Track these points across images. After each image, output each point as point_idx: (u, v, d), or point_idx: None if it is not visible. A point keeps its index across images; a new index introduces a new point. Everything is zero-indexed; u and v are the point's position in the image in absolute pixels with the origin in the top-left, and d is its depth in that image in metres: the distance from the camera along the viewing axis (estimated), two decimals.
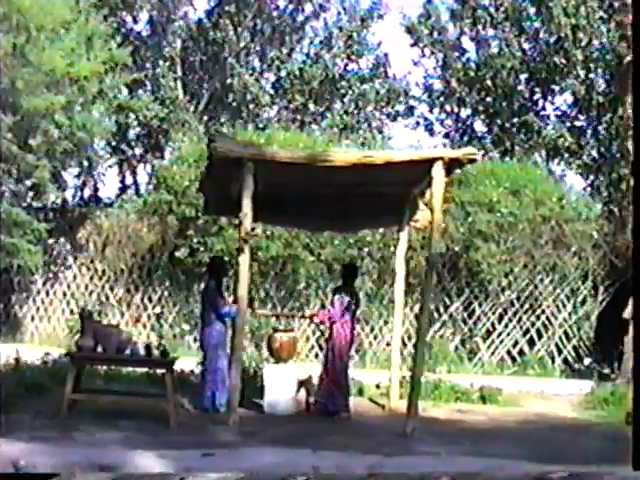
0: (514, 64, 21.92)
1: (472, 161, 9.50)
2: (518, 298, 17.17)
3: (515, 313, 17.20)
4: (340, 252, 16.68)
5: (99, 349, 9.47)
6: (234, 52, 23.86)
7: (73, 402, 9.27)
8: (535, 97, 22.96)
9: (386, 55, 25.23)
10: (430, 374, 13.23)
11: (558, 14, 20.20)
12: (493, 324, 17.23)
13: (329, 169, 9.10)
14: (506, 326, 17.18)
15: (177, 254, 17.17)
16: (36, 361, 12.34)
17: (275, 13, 24.60)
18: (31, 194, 17.66)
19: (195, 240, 16.88)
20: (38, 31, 14.53)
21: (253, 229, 11.32)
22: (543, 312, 17.16)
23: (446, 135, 24.58)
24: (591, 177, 21.61)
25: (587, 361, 16.15)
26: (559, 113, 22.90)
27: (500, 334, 17.19)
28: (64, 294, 18.67)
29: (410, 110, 25.31)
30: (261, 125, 22.58)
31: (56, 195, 21.50)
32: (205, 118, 24.49)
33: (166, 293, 18.05)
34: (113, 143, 24.13)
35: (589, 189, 21.41)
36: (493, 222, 16.82)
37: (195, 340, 15.54)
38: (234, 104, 24.47)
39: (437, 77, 24.35)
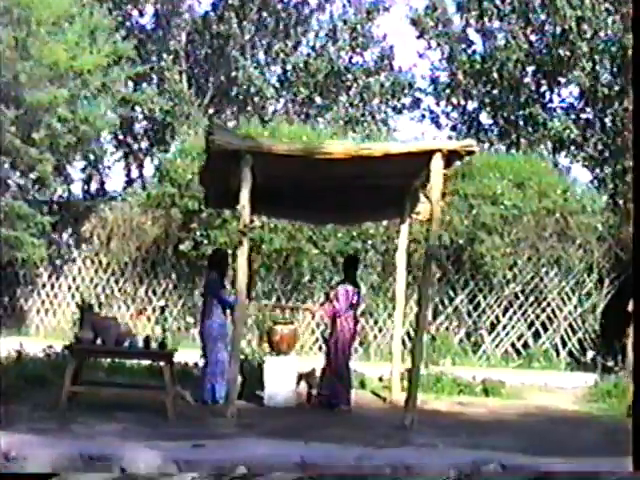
0: (520, 56, 21.82)
1: (471, 153, 9.46)
2: (523, 291, 17.14)
3: (520, 306, 17.17)
4: (344, 245, 16.67)
5: (98, 341, 9.50)
6: (239, 45, 23.83)
7: (73, 394, 9.30)
8: (541, 89, 22.85)
9: (391, 47, 25.16)
10: (433, 367, 13.27)
11: (563, 6, 20.11)
12: (497, 317, 17.21)
13: (328, 161, 9.09)
14: (511, 319, 17.16)
15: (181, 247, 17.22)
16: (39, 354, 12.40)
17: (280, 6, 24.52)
18: (35, 187, 17.66)
19: (199, 233, 16.93)
20: (39, 25, 14.52)
21: (252, 222, 11.32)
22: (548, 305, 17.12)
23: (452, 128, 24.53)
24: (597, 169, 21.54)
25: (591, 354, 16.15)
26: (565, 105, 22.83)
27: (505, 327, 17.17)
28: (69, 287, 18.71)
29: (416, 103, 25.26)
30: (266, 118, 22.55)
31: (62, 188, 21.67)
32: (210, 111, 24.51)
33: (170, 286, 18.08)
34: (120, 137, 24.28)
35: (595, 181, 21.33)
36: (497, 215, 16.80)
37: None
38: (239, 97, 24.46)
39: (443, 69, 24.26)
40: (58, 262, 18.69)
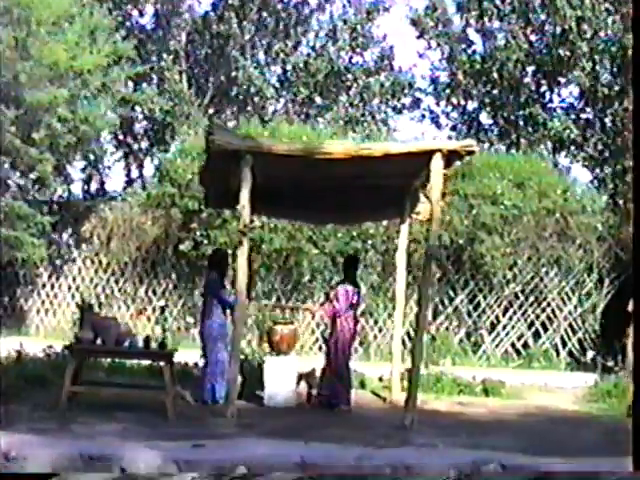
0: (520, 56, 21.82)
1: (471, 153, 9.46)
2: (523, 291, 17.14)
3: (520, 306, 17.17)
4: (344, 245, 16.67)
5: (98, 341, 9.49)
6: (239, 45, 23.83)
7: (73, 394, 9.30)
8: (541, 89, 22.86)
9: (391, 48, 25.17)
10: (433, 367, 13.27)
11: (563, 6, 20.11)
12: (497, 317, 17.21)
13: (328, 161, 9.09)
14: (511, 319, 17.16)
15: (181, 247, 17.22)
16: (39, 354, 12.39)
17: (280, 6, 24.52)
18: (35, 187, 17.66)
19: (199, 233, 16.93)
20: (39, 25, 14.52)
21: (252, 222, 11.32)
22: (548, 305, 17.13)
23: (452, 128, 24.53)
24: (597, 169, 21.55)
25: (591, 354, 16.16)
26: (565, 105, 22.84)
27: (505, 327, 17.17)
28: (69, 287, 18.71)
29: (416, 103, 25.28)
30: (266, 118, 22.55)
31: (62, 188, 21.68)
32: (210, 111, 24.51)
33: (170, 286, 18.08)
34: (120, 137, 24.29)
35: (595, 181, 21.34)
36: (497, 215, 16.80)
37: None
38: (239, 97, 24.46)
39: (443, 69, 24.27)
40: (58, 262, 18.69)
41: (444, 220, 15.83)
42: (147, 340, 9.58)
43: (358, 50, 24.77)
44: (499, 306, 17.19)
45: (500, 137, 23.15)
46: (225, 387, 9.81)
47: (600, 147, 21.30)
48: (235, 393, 9.31)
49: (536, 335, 17.11)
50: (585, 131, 21.60)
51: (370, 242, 16.93)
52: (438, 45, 23.97)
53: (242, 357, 11.57)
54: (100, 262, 18.56)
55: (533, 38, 22.26)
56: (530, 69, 22.60)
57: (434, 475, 6.25)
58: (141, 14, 25.36)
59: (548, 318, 17.10)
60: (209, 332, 10.33)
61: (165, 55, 23.70)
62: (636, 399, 6.86)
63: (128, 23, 23.90)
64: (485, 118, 24.02)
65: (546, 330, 17.06)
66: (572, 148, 22.06)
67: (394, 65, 25.17)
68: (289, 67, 24.44)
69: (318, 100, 24.54)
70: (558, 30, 21.04)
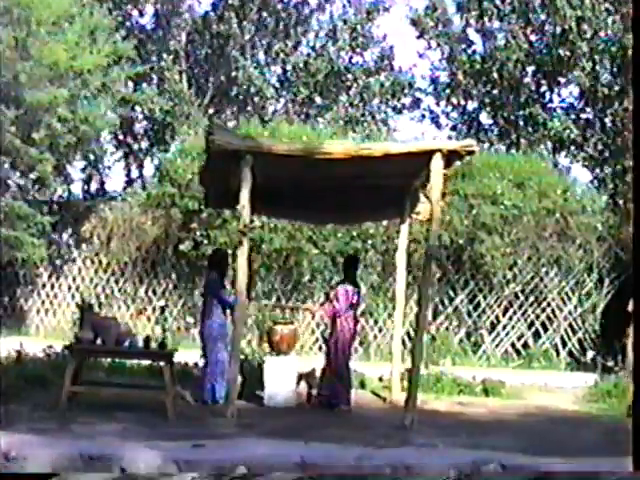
0: (520, 56, 21.83)
1: (470, 153, 9.46)
2: (523, 291, 17.14)
3: (520, 306, 17.16)
4: (344, 245, 16.67)
5: (98, 341, 9.49)
6: (239, 45, 23.83)
7: (73, 394, 9.30)
8: (541, 89, 22.87)
9: (391, 48, 25.18)
10: (433, 367, 13.26)
11: (563, 6, 20.11)
12: (497, 317, 17.21)
13: (327, 161, 9.09)
14: (511, 319, 17.16)
15: (181, 247, 17.22)
16: (39, 354, 12.39)
17: (280, 6, 24.52)
18: (35, 187, 17.67)
19: (199, 233, 16.93)
20: (38, 25, 14.52)
21: (252, 221, 11.32)
22: (548, 305, 17.13)
23: (452, 128, 24.54)
24: (597, 169, 21.56)
25: (591, 354, 16.16)
26: (565, 105, 22.85)
27: (505, 327, 17.17)
28: (69, 287, 18.71)
29: (416, 103, 25.29)
30: (266, 118, 22.56)
31: (62, 188, 21.68)
32: (210, 111, 24.51)
33: (170, 286, 18.08)
34: (120, 137, 24.29)
35: (595, 181, 21.34)
36: (497, 215, 16.80)
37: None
38: (239, 97, 24.47)
39: (443, 69, 24.27)
40: (58, 262, 18.69)
41: (444, 220, 15.82)
42: (147, 340, 9.58)
43: (358, 50, 24.78)
44: (499, 306, 17.19)
45: (500, 137, 23.16)
46: (225, 387, 9.81)
47: (600, 147, 21.31)
48: (235, 393, 9.32)
49: (536, 335, 17.11)
50: (585, 131, 21.61)
51: (370, 242, 16.93)
52: (438, 45, 23.97)
53: (242, 357, 11.58)
54: (100, 262, 18.56)
55: (533, 38, 22.27)
56: (530, 69, 22.61)
57: (434, 475, 6.25)
58: (141, 14, 25.37)
59: (548, 318, 17.10)
60: (209, 332, 10.33)
61: (165, 55, 23.71)
62: (636, 399, 6.86)
63: (128, 23, 23.90)
64: (485, 118, 24.05)
65: (546, 330, 17.06)
66: (572, 148, 22.08)
67: (394, 65, 25.20)
68: (289, 67, 24.45)
69: (318, 100, 24.54)
70: (558, 30, 21.05)
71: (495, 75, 22.41)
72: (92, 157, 21.48)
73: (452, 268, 17.12)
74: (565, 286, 17.12)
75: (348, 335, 10.72)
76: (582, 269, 17.16)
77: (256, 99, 23.86)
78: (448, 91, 24.14)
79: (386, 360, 14.43)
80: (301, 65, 24.02)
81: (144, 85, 23.26)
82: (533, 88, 22.68)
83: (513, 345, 17.14)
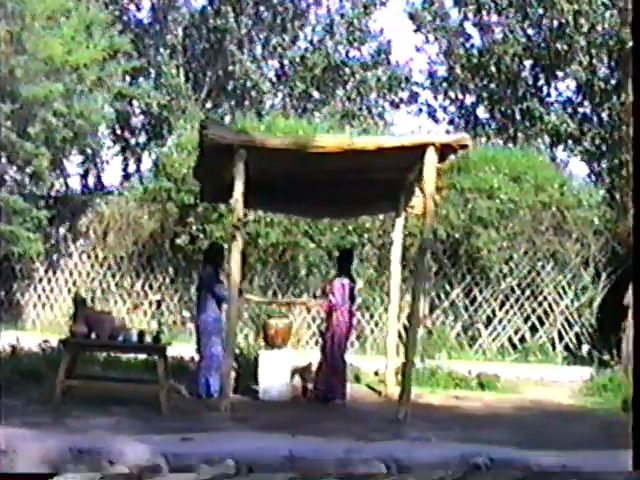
0: (517, 50, 21.83)
1: (464, 147, 9.46)
2: (519, 285, 17.14)
3: (516, 300, 17.16)
4: (340, 239, 16.67)
5: (93, 335, 9.49)
6: (236, 39, 23.80)
7: (67, 388, 9.30)
8: (539, 83, 22.87)
9: (389, 42, 25.10)
10: (429, 360, 13.26)
11: (560, 0, 20.10)
12: (494, 311, 17.21)
13: (321, 155, 9.09)
14: (507, 313, 17.16)
15: (178, 241, 17.23)
16: (35, 348, 12.39)
17: (277, 0, 24.46)
18: (32, 182, 17.66)
19: (195, 227, 16.94)
20: (33, 19, 14.50)
21: (245, 215, 11.32)
22: (544, 299, 17.13)
23: (450, 122, 24.52)
24: (594, 163, 21.55)
25: (586, 348, 16.17)
26: (562, 99, 22.86)
27: (501, 321, 17.17)
28: (65, 281, 18.71)
29: (413, 97, 25.26)
30: (263, 112, 22.54)
31: (59, 183, 21.68)
32: (207, 105, 24.48)
33: (167, 280, 18.08)
34: (117, 131, 24.26)
35: (592, 175, 21.35)
36: (494, 209, 16.80)
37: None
38: (236, 91, 24.43)
39: (440, 63, 24.28)
40: (55, 256, 18.69)
41: (440, 214, 15.88)
42: (141, 334, 9.58)
43: (355, 44, 24.70)
44: (495, 300, 17.19)
45: (497, 131, 23.14)
46: (219, 381, 9.81)
47: (597, 141, 21.31)
48: (229, 387, 9.34)
49: (532, 329, 17.11)
50: (582, 125, 21.62)
51: (366, 236, 16.93)
52: (435, 39, 23.96)
53: (238, 351, 11.62)
54: (96, 256, 18.56)
55: (530, 32, 22.26)
56: (527, 63, 22.61)
57: (427, 469, 6.24)
58: (138, 8, 25.31)
59: (544, 312, 17.10)
60: (204, 326, 10.33)
61: (162, 49, 23.66)
62: (636, 395, 6.83)
63: (125, 17, 23.82)
64: (482, 112, 24.02)
65: (542, 324, 17.06)
66: (569, 142, 22.08)
67: (391, 59, 25.13)
68: (286, 61, 24.42)
69: (315, 94, 24.49)
70: (555, 24, 21.04)
71: (492, 69, 22.40)
72: (89, 151, 21.43)
73: (448, 262, 17.12)
74: (561, 280, 17.12)
75: (344, 329, 10.73)
76: (578, 263, 17.16)
77: (253, 93, 23.82)
78: (445, 85, 24.14)
79: (382, 354, 14.41)
80: (298, 59, 24.00)
81: (141, 79, 23.22)
82: (530, 82, 22.69)
83: (509, 339, 17.14)
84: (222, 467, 5.68)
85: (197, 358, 10.83)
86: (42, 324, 18.33)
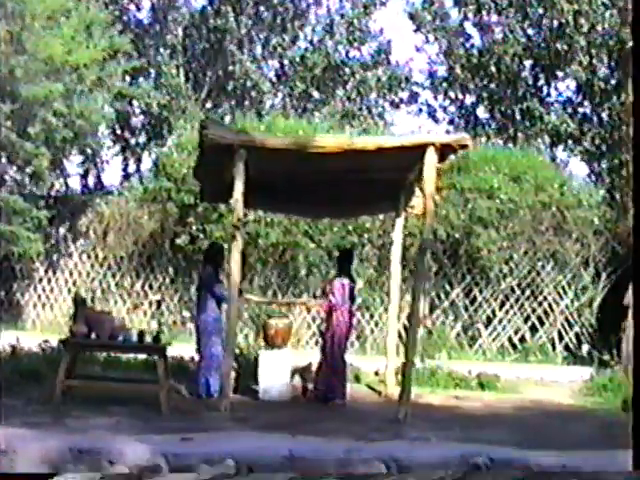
0: (517, 50, 21.85)
1: (464, 147, 9.46)
2: (519, 285, 17.14)
3: (516, 300, 17.16)
4: (340, 239, 16.67)
5: (93, 335, 9.50)
6: (236, 39, 23.80)
7: (67, 388, 9.30)
8: (539, 83, 22.88)
9: (389, 42, 25.13)
10: (429, 360, 13.26)
11: (560, 0, 20.11)
12: (494, 311, 17.21)
13: (320, 155, 9.09)
14: (507, 313, 17.16)
15: (178, 241, 17.24)
16: (35, 348, 12.39)
17: (277, 0, 24.47)
18: (32, 182, 17.66)
19: (195, 227, 16.95)
20: (33, 19, 14.51)
21: (245, 215, 11.32)
22: (544, 299, 17.13)
23: (450, 122, 24.54)
24: (594, 163, 21.56)
25: (586, 348, 16.17)
26: (562, 99, 22.88)
27: (501, 321, 17.16)
28: (65, 281, 18.72)
29: (413, 97, 25.28)
30: (263, 112, 22.55)
31: (59, 183, 21.68)
32: (207, 105, 24.49)
33: (167, 280, 18.09)
34: (117, 131, 24.26)
35: (592, 175, 21.36)
36: (494, 209, 16.80)
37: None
38: (236, 91, 24.43)
39: (440, 63, 24.30)
40: (55, 256, 18.69)
41: (440, 214, 15.88)
42: (141, 334, 9.58)
43: (355, 44, 24.72)
44: (495, 300, 17.19)
45: (497, 131, 23.15)
46: (219, 381, 9.81)
47: (597, 141, 21.32)
48: (229, 387, 9.35)
49: (532, 329, 17.10)
50: (582, 125, 21.63)
51: (366, 236, 16.93)
52: (435, 39, 23.98)
53: (238, 351, 11.62)
54: (97, 256, 18.57)
55: (530, 32, 22.28)
56: (527, 63, 22.62)
57: (427, 469, 6.24)
58: (138, 8, 25.31)
59: (544, 312, 17.10)
60: (204, 326, 10.33)
61: (162, 49, 23.70)
62: (636, 395, 6.83)
63: (125, 17, 23.83)
64: (482, 112, 24.04)
65: (542, 324, 17.06)
66: (569, 142, 22.09)
67: (391, 59, 25.16)
68: (286, 61, 24.44)
69: (315, 94, 24.51)
70: (555, 24, 21.05)
71: (492, 69, 22.41)
72: (89, 151, 21.43)
73: (448, 262, 17.12)
74: (561, 280, 17.12)
75: (344, 329, 10.73)
76: (578, 263, 17.16)
77: (253, 93, 23.83)
78: (445, 85, 24.16)
79: (382, 354, 14.41)
80: (298, 59, 24.02)
81: (141, 79, 23.22)
82: (530, 82, 22.70)
83: (509, 339, 17.14)
84: (222, 467, 5.70)
85: (197, 358, 10.83)
86: (42, 324, 18.33)
